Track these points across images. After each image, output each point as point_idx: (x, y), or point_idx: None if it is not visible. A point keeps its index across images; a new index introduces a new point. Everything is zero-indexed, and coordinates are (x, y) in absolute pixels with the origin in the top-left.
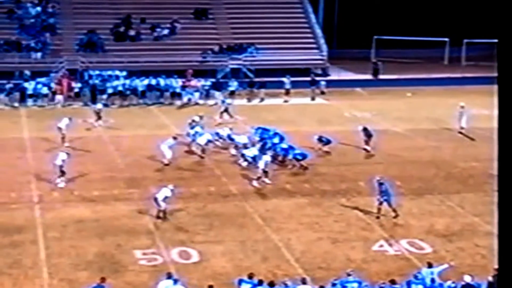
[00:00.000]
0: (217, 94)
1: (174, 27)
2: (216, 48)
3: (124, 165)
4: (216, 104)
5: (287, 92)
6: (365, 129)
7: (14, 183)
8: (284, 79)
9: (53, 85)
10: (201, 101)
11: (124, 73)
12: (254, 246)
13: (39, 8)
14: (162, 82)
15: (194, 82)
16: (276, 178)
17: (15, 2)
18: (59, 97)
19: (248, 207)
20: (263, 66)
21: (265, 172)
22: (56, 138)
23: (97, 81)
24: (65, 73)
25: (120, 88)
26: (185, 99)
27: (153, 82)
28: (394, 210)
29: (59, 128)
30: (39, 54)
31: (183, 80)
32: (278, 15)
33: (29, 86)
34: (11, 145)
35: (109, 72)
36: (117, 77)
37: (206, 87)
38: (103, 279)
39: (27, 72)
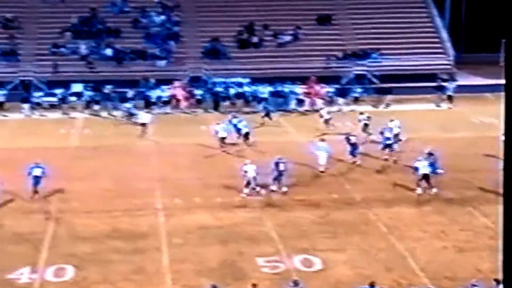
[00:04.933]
0: (340, 100)
1: (297, 34)
2: (340, 54)
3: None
4: (339, 110)
5: (450, 98)
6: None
7: (138, 190)
8: (446, 84)
9: (171, 92)
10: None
11: (248, 80)
12: (377, 254)
13: (163, 17)
14: (285, 88)
15: (317, 89)
16: (399, 186)
17: (140, 11)
18: (183, 104)
19: (371, 214)
20: (388, 71)
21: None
22: (176, 146)
23: (220, 89)
24: (182, 83)
25: (243, 95)
26: (308, 106)
27: (277, 88)
28: None
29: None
30: (163, 62)
31: (307, 86)
32: (402, 19)
33: (153, 94)
34: (136, 152)
35: (233, 79)
36: (240, 84)
37: (330, 94)
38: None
39: (152, 80)
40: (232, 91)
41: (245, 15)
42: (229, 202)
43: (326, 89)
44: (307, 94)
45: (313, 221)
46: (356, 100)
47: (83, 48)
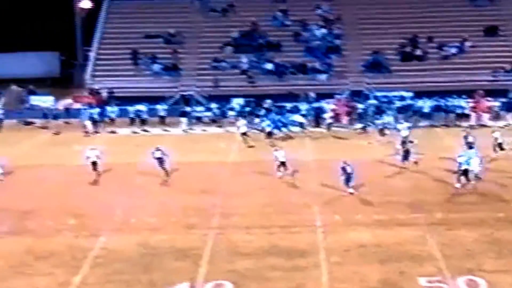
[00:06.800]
0: (508, 115)
1: (463, 45)
2: (508, 66)
3: (405, 189)
4: (509, 125)
5: None
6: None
7: (296, 206)
8: None
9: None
10: (490, 123)
11: (411, 94)
12: None
13: (324, 30)
14: (450, 102)
15: (484, 103)
16: None
17: (301, 25)
18: (344, 119)
19: None
20: None
21: None
22: (334, 161)
23: (382, 103)
24: (343, 97)
25: (406, 109)
26: (473, 121)
27: (441, 102)
28: None
29: None
30: (324, 76)
31: (472, 100)
32: None
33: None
34: (294, 167)
35: (395, 93)
36: (403, 98)
37: (496, 108)
38: None
39: (312, 94)
40: (395, 105)
41: (408, 27)
42: (390, 220)
43: (492, 103)
44: (474, 108)
45: (478, 240)
46: None
47: (243, 62)
